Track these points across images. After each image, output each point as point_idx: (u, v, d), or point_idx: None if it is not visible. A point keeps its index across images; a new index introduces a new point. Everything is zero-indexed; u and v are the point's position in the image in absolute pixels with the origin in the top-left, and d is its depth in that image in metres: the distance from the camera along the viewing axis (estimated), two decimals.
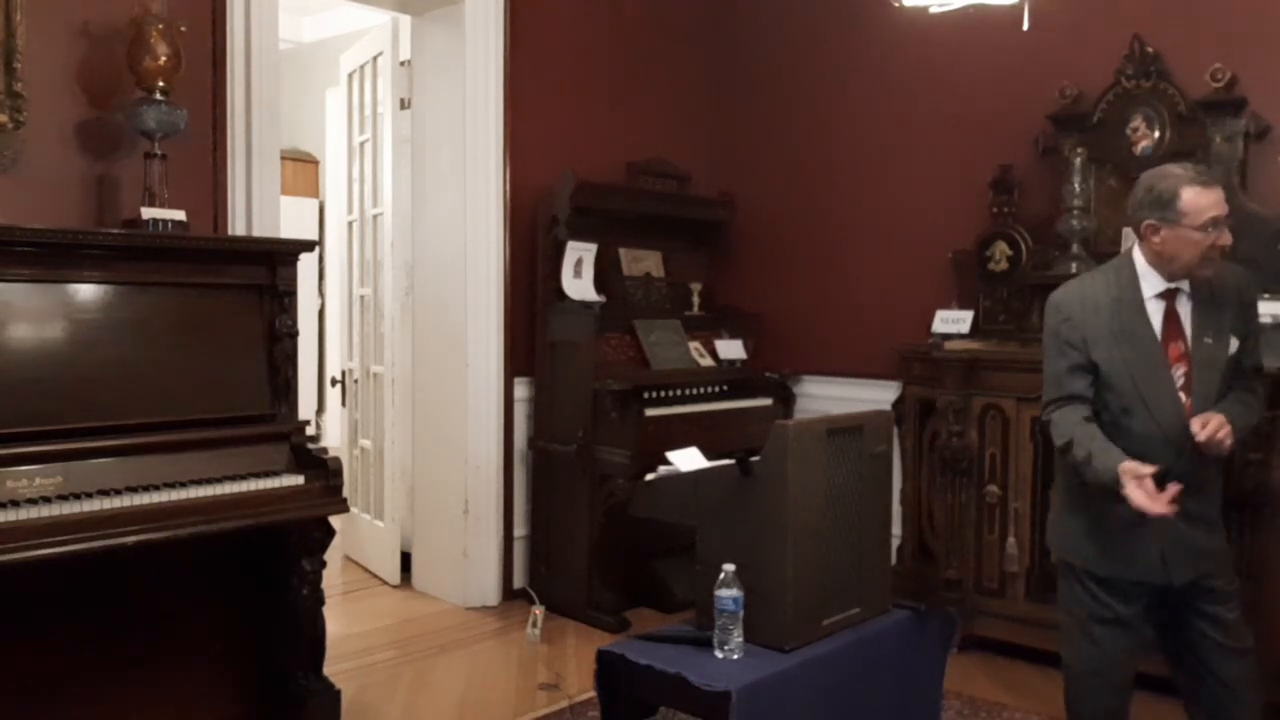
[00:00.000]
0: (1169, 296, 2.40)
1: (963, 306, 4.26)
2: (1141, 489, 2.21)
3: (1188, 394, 2.35)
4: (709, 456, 2.64)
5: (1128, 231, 3.80)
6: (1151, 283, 2.41)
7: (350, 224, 5.19)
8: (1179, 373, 2.36)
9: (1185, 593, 2.40)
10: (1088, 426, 2.37)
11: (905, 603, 2.73)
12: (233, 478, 2.72)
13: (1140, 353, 2.37)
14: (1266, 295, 3.25)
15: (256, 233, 3.51)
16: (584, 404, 4.15)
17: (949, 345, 3.91)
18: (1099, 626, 2.45)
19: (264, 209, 3.57)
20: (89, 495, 2.47)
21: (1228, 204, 2.36)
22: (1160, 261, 2.39)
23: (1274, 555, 3.19)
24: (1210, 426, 2.23)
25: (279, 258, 3.01)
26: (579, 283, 4.40)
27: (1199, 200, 2.31)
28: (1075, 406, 2.41)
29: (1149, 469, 2.23)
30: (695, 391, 4.50)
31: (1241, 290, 2.46)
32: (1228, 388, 2.40)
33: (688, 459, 2.62)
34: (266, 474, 2.80)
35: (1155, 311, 2.40)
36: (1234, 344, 2.40)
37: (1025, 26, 3.23)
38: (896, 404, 4.27)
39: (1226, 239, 2.34)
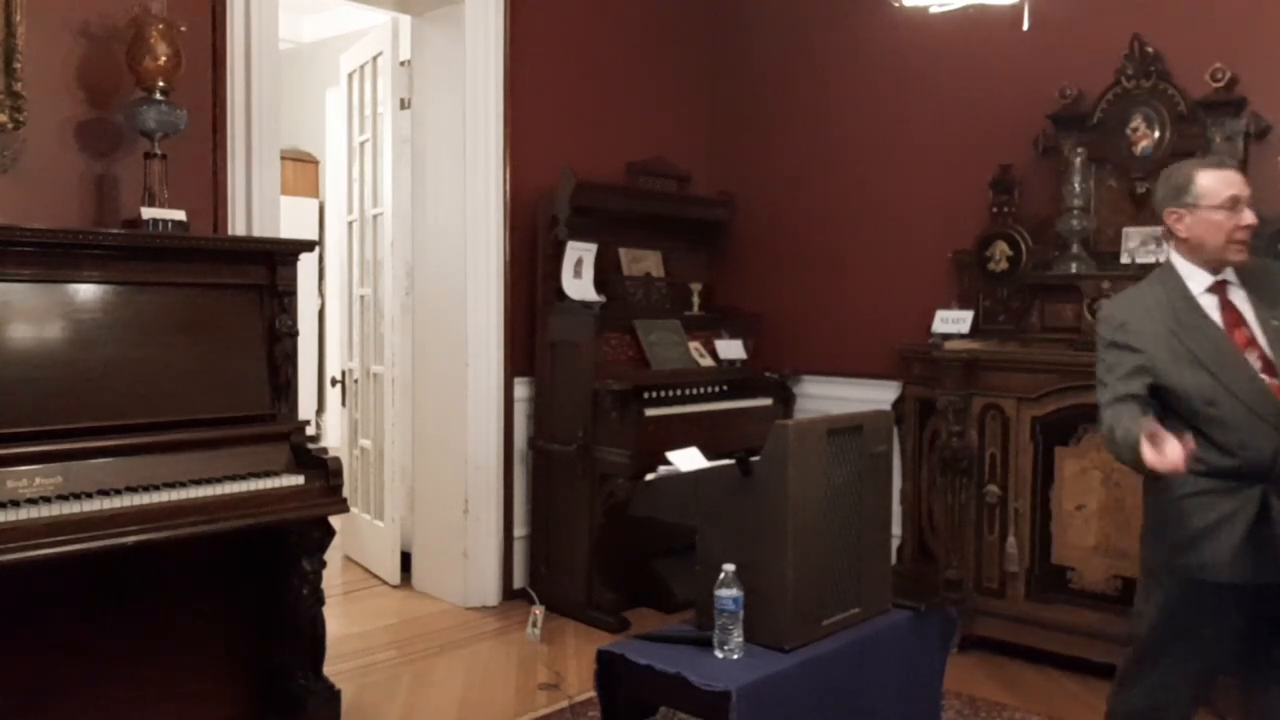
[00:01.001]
0: (1219, 289, 2.36)
1: (963, 306, 4.25)
2: (1154, 445, 2.08)
3: (1270, 375, 2.27)
4: (709, 456, 2.64)
5: (1128, 232, 3.83)
6: (1198, 279, 2.37)
7: (350, 224, 5.19)
8: (1252, 357, 2.29)
9: None
10: (1129, 406, 2.27)
11: (905, 603, 2.73)
12: (233, 478, 2.72)
13: (1208, 342, 2.30)
14: None
15: (256, 233, 3.50)
16: (584, 404, 4.15)
17: (949, 345, 3.91)
18: (1172, 657, 2.35)
19: (264, 209, 3.57)
20: (89, 495, 2.47)
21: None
22: (1192, 252, 2.37)
23: None
24: None
25: (279, 258, 3.01)
26: (579, 283, 4.40)
27: (1214, 181, 2.32)
28: (1129, 404, 2.30)
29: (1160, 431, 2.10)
30: (695, 391, 4.49)
31: None
32: None
33: (688, 459, 2.62)
34: (266, 474, 2.80)
35: (1210, 306, 2.34)
36: None
37: (1025, 26, 3.24)
38: (896, 404, 4.27)
39: (1250, 218, 2.32)
